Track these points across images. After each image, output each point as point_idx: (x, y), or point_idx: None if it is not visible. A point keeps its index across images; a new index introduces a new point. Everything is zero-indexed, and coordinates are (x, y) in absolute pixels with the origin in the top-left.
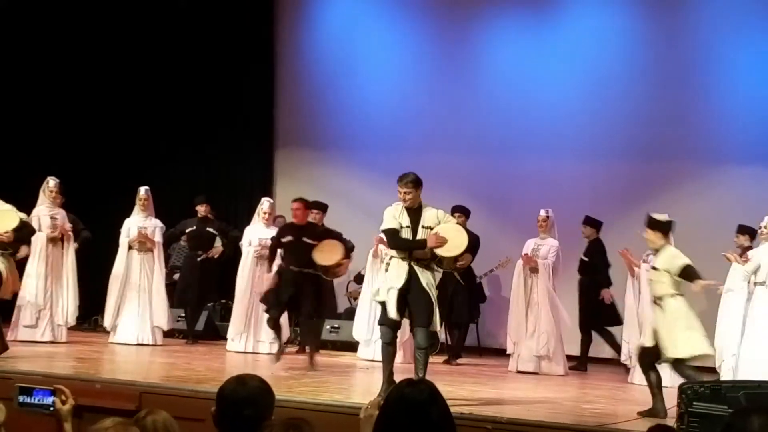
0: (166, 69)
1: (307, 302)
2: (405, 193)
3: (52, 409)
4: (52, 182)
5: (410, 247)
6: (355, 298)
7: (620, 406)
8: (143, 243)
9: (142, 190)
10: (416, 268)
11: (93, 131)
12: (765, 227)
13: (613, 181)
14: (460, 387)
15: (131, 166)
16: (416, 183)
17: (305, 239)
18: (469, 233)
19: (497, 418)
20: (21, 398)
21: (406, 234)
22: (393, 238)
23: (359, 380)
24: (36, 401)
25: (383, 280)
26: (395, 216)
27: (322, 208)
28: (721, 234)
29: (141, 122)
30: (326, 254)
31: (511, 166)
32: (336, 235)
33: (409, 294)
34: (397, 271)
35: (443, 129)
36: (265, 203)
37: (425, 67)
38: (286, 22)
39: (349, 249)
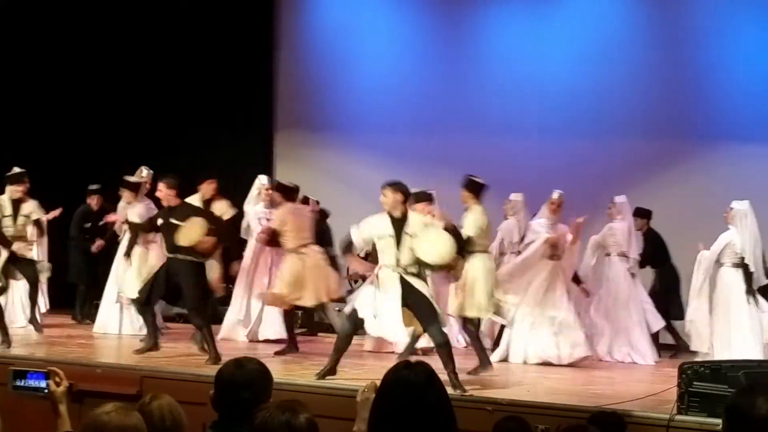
0: (166, 52)
1: (188, 293)
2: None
3: (46, 391)
4: (145, 171)
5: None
6: (356, 281)
7: (620, 387)
8: None
9: (145, 171)
10: (406, 277)
11: (91, 117)
12: (729, 210)
13: (610, 161)
14: (460, 369)
15: (130, 150)
16: (395, 188)
17: (172, 220)
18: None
19: (498, 399)
20: (15, 382)
21: (391, 243)
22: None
23: (359, 363)
24: (30, 384)
25: (374, 290)
26: (375, 227)
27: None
28: (716, 212)
29: (140, 106)
30: (188, 233)
31: (509, 146)
32: (203, 212)
33: (406, 302)
34: (389, 282)
35: (442, 110)
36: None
37: (425, 49)
38: (286, 4)
39: (212, 224)
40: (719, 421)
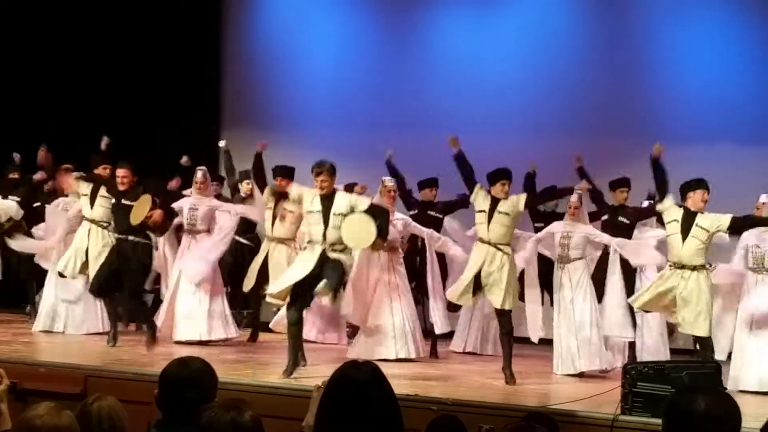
0: (111, 50)
1: (131, 275)
2: (321, 181)
3: None
4: (199, 173)
5: None
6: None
7: (565, 387)
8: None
9: (199, 173)
10: (329, 254)
11: (33, 115)
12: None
13: (558, 160)
14: (406, 368)
15: (76, 149)
16: (331, 171)
17: (124, 201)
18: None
19: (443, 399)
20: None
21: (317, 219)
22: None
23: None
24: None
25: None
26: (307, 198)
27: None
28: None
29: (85, 105)
30: (135, 212)
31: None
32: (149, 188)
33: (321, 272)
34: (309, 255)
35: (391, 107)
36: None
37: (374, 47)
38: (233, 3)
39: (157, 196)
40: None
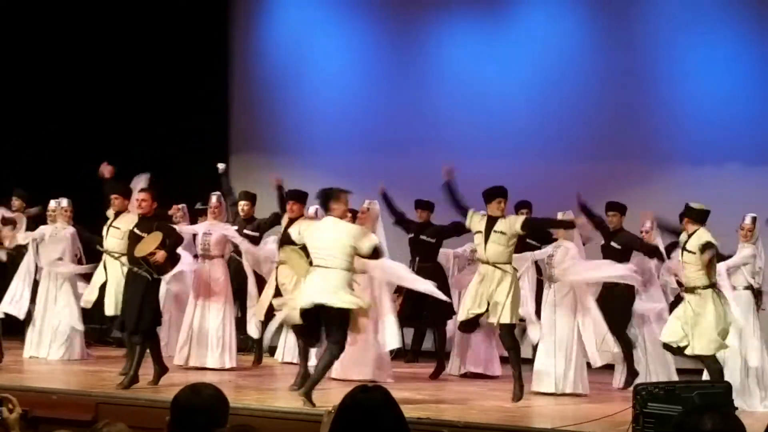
0: (119, 73)
1: (132, 309)
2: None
3: None
4: (213, 198)
5: None
6: None
7: (576, 408)
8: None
9: (214, 198)
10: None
11: (43, 138)
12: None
13: (564, 183)
14: (417, 391)
15: (81, 172)
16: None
17: (137, 231)
18: None
19: (454, 422)
20: None
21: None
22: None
23: (317, 388)
24: None
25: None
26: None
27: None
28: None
29: (94, 127)
30: (142, 245)
31: (464, 167)
32: (163, 226)
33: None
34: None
35: (397, 130)
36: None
37: (380, 71)
38: (240, 27)
39: (168, 238)
40: None
